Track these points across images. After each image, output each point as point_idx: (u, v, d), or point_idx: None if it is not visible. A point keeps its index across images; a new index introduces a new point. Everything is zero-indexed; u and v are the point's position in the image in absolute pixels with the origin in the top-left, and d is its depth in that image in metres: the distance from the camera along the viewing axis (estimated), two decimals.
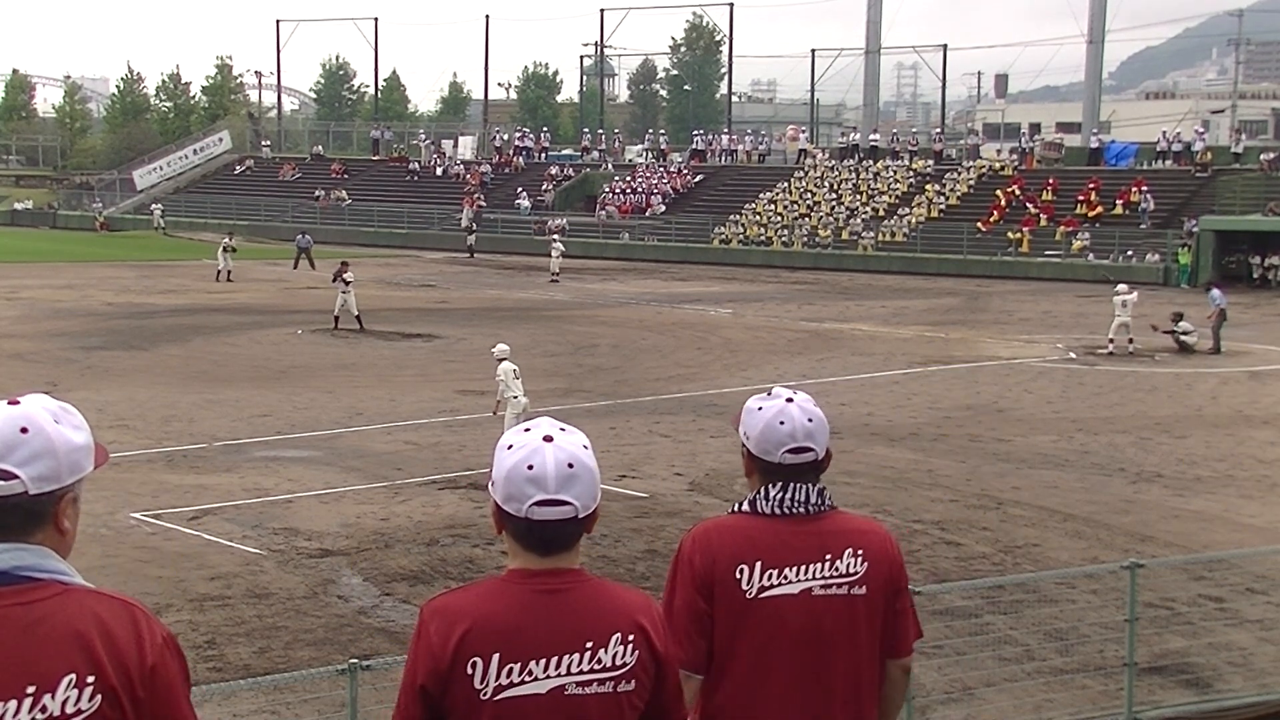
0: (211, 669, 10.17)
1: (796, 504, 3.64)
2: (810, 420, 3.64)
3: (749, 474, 3.74)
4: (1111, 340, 29.00)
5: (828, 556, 3.63)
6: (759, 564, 3.60)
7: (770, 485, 3.66)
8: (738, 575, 3.60)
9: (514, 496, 2.90)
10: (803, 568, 3.62)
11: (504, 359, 17.71)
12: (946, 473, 17.39)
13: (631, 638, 2.95)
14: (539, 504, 2.87)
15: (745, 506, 3.70)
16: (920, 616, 3.92)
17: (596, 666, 2.92)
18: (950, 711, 9.34)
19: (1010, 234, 53.14)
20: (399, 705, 2.97)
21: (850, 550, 3.65)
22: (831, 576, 3.63)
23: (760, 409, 3.68)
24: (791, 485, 3.65)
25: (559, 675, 2.90)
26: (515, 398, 17.30)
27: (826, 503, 3.68)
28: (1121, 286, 29.79)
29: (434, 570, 12.90)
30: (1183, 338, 29.26)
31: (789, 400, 3.67)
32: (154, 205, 72.10)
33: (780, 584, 3.61)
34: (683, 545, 3.71)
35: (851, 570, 3.64)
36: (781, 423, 3.63)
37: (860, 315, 36.73)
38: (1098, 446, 19.16)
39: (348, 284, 31.98)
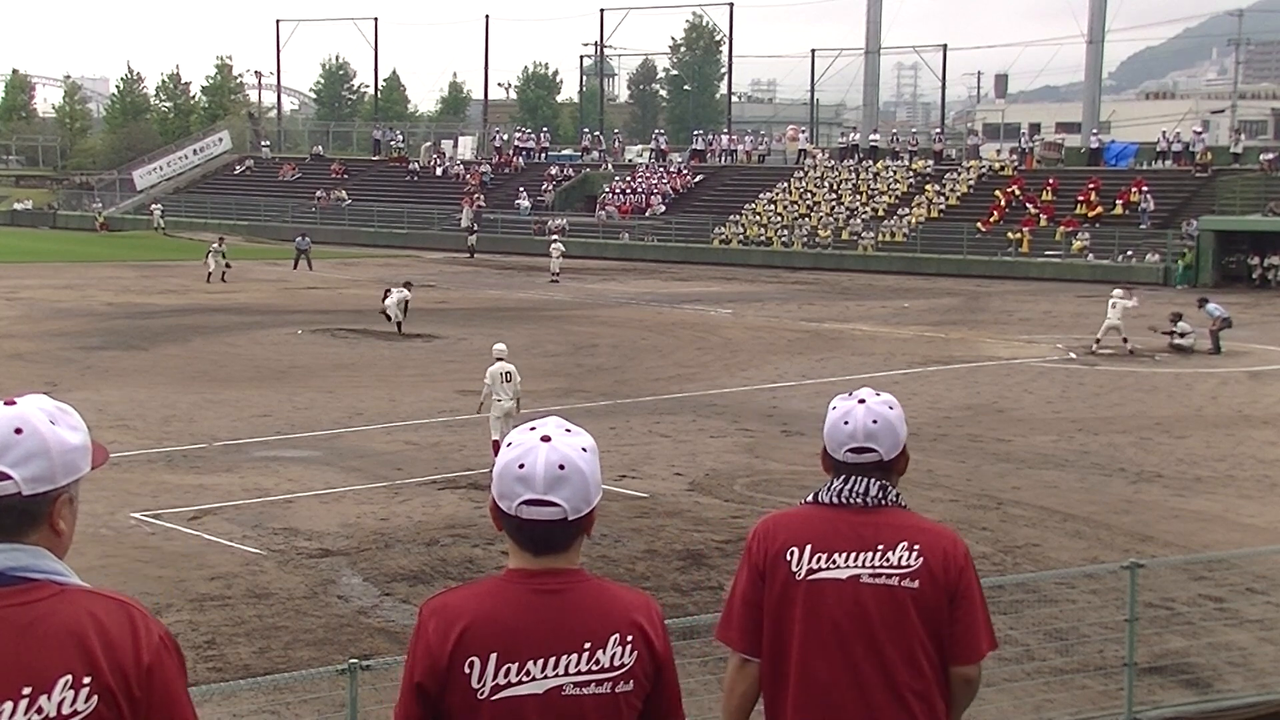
0: (211, 669, 10.17)
1: (855, 495, 3.75)
2: (875, 422, 3.73)
3: (826, 470, 3.86)
4: (1098, 341, 29.01)
5: (879, 546, 3.72)
6: (809, 547, 3.72)
7: (834, 478, 3.79)
8: (788, 557, 3.73)
9: (505, 494, 2.92)
10: (853, 555, 3.71)
11: (500, 359, 17.60)
12: (946, 473, 17.38)
13: (630, 638, 2.95)
14: (526, 503, 2.89)
15: (810, 498, 3.84)
16: None
17: (594, 667, 2.92)
18: None
19: (1010, 234, 53.13)
20: (400, 704, 2.97)
21: (905, 544, 3.72)
22: (881, 566, 3.71)
23: (834, 408, 3.81)
24: (852, 478, 3.75)
25: (556, 675, 2.90)
26: (498, 400, 17.22)
27: (889, 498, 3.77)
28: (1118, 291, 29.77)
29: (434, 570, 12.90)
30: (1179, 340, 29.19)
31: (861, 401, 3.77)
32: (154, 205, 72.11)
33: (829, 568, 3.71)
34: (748, 535, 3.89)
35: (904, 563, 3.70)
36: (845, 422, 3.74)
37: (860, 315, 36.73)
38: (1098, 446, 19.16)
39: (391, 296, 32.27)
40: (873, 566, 3.70)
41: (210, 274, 44.75)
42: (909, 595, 3.69)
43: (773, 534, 3.78)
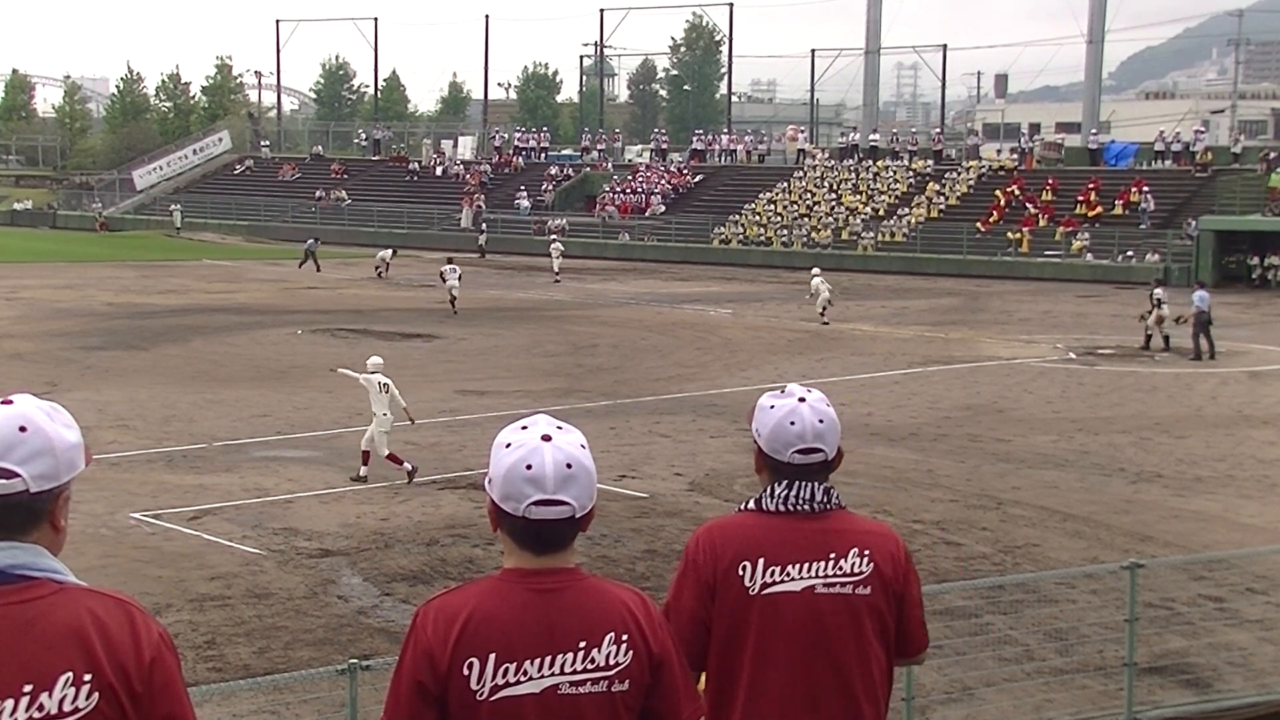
0: (211, 669, 10.17)
1: (802, 502, 3.64)
2: (821, 421, 3.62)
3: (759, 471, 3.74)
4: (824, 313, 33.68)
5: (832, 555, 3.63)
6: (762, 560, 3.60)
7: (776, 483, 3.66)
8: (740, 572, 3.60)
9: (512, 496, 2.89)
10: (806, 565, 3.62)
11: (375, 371, 16.89)
12: (946, 473, 17.38)
13: (625, 637, 2.94)
14: (537, 504, 2.87)
15: (751, 504, 3.71)
16: None
17: (590, 666, 2.91)
18: (950, 711, 9.34)
19: (1010, 234, 53.14)
20: (389, 708, 2.94)
21: (856, 550, 3.64)
22: (835, 575, 3.63)
23: (772, 407, 3.66)
24: (797, 483, 3.64)
25: (552, 675, 2.89)
26: (384, 414, 16.54)
27: (833, 502, 3.68)
28: (815, 269, 35.72)
29: (434, 570, 12.90)
30: (1159, 313, 29.26)
31: (801, 400, 3.64)
32: (174, 206, 71.91)
33: (783, 581, 3.60)
34: (688, 545, 3.72)
35: (856, 570, 3.63)
36: (792, 423, 3.61)
37: (860, 315, 36.73)
38: (1098, 446, 19.15)
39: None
40: (826, 576, 3.61)
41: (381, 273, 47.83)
42: (863, 602, 3.64)
43: (720, 547, 3.63)
